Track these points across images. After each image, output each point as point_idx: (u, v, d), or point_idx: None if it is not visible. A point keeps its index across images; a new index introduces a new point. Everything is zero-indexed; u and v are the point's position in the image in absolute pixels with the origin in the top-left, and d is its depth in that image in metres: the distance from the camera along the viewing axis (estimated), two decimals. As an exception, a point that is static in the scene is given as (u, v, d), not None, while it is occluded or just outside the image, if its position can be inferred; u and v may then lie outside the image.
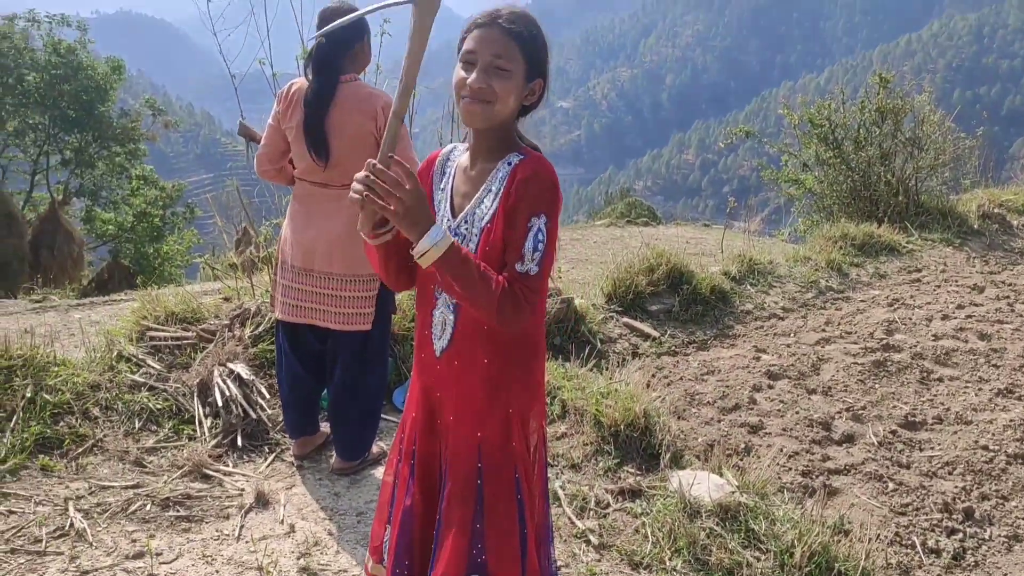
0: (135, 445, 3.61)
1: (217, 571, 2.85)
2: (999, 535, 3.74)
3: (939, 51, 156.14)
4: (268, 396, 3.92)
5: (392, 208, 1.81)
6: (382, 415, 3.73)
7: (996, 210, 8.75)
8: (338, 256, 3.27)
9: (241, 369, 3.90)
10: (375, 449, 3.63)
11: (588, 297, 5.96)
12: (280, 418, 3.83)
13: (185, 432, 3.74)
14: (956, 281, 7.04)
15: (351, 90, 3.22)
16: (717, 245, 10.47)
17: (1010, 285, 6.94)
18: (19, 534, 2.97)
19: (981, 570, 3.53)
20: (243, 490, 3.37)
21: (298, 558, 2.95)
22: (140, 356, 4.03)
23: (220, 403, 3.74)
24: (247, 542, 3.03)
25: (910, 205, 8.37)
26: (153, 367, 4.00)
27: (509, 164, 1.94)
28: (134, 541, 2.99)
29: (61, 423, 3.59)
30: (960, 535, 3.73)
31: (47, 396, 3.62)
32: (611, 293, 6.12)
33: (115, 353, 4.01)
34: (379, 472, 3.58)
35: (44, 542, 2.94)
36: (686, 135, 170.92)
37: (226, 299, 4.55)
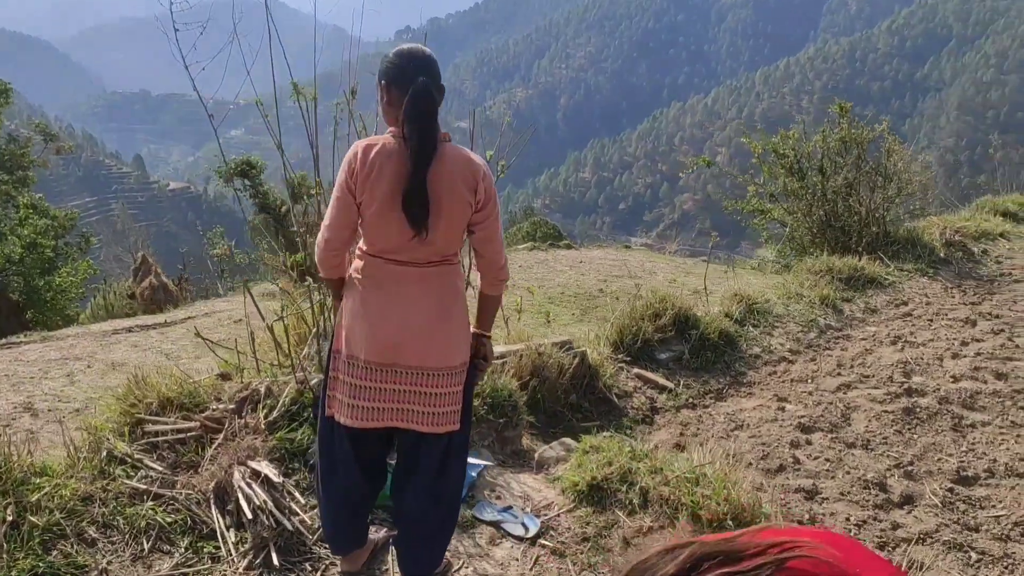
0: (148, 573, 2.96)
1: None
2: (1101, 609, 3.49)
3: (816, 73, 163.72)
4: (302, 500, 3.31)
5: None
6: None
7: (957, 237, 8.80)
8: (433, 348, 2.71)
9: (266, 468, 3.29)
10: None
11: (593, 346, 5.55)
12: (316, 524, 3.25)
13: (206, 551, 3.11)
14: (946, 315, 6.94)
15: (451, 151, 2.64)
16: (642, 267, 10.41)
17: (998, 317, 6.89)
18: None
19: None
20: (299, 627, 2.78)
21: None
22: (136, 456, 3.37)
23: (248, 513, 3.12)
24: None
25: (880, 235, 8.32)
26: (154, 469, 3.34)
27: None
28: None
29: (54, 551, 2.92)
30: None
31: (33, 518, 2.94)
32: (617, 342, 5.73)
33: (104, 453, 3.34)
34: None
35: None
36: (582, 153, 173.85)
37: (223, 376, 3.91)
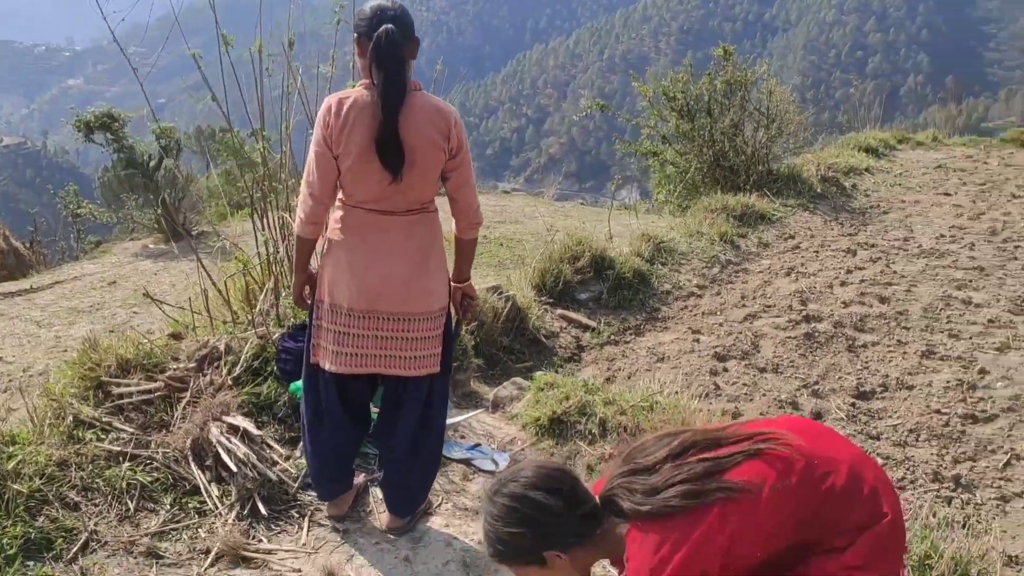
0: (138, 532, 2.99)
1: None
2: (989, 498, 4.01)
3: (672, 15, 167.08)
4: (281, 451, 3.38)
5: None
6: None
7: (831, 174, 9.45)
8: (413, 294, 2.83)
9: (243, 422, 3.34)
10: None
11: (518, 290, 5.74)
12: (297, 473, 3.34)
13: (191, 506, 3.16)
14: (829, 246, 7.52)
15: (421, 99, 2.73)
16: (522, 212, 10.68)
17: (874, 246, 7.52)
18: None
19: (993, 537, 3.74)
20: (300, 571, 2.89)
21: (413, 646, 2.57)
22: (104, 419, 3.34)
23: (232, 466, 3.17)
24: (344, 636, 2.60)
25: (765, 174, 8.84)
26: (124, 431, 3.33)
27: None
28: (212, 660, 2.47)
29: (40, 517, 2.90)
30: (959, 503, 3.96)
31: (15, 486, 2.90)
32: (539, 285, 5.95)
33: (70, 418, 3.29)
34: (434, 523, 3.22)
35: None
36: (446, 98, 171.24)
37: (174, 336, 3.87)
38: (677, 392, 4.75)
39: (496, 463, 3.60)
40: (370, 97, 2.68)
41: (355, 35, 2.76)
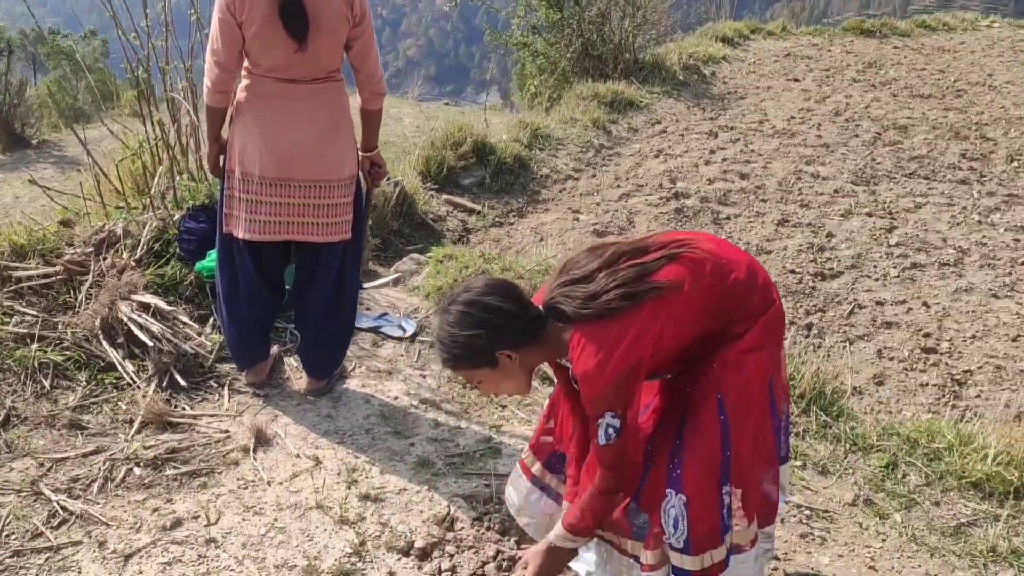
0: (57, 407, 3.04)
1: (275, 520, 2.62)
2: (836, 341, 4.55)
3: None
4: (196, 325, 3.46)
5: None
6: None
7: (692, 62, 9.85)
8: (323, 161, 2.91)
9: (153, 300, 3.38)
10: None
11: (404, 176, 5.85)
12: (211, 346, 3.44)
13: (107, 382, 3.21)
14: (693, 130, 7.94)
15: None
16: (387, 113, 10.60)
17: (733, 128, 8.00)
18: (6, 535, 2.46)
19: (842, 366, 4.27)
20: (227, 432, 3.04)
21: (348, 487, 2.79)
22: (4, 303, 3.31)
23: (148, 341, 3.24)
24: (281, 484, 2.79)
25: (631, 62, 9.13)
26: (30, 313, 3.32)
27: None
28: (156, 511, 2.62)
29: (-46, 399, 2.91)
30: (812, 346, 4.48)
31: (-76, 370, 2.89)
32: (424, 171, 6.08)
33: (-31, 304, 3.26)
34: (350, 384, 3.41)
35: (49, 535, 2.47)
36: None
37: (65, 223, 3.81)
38: (562, 257, 5.07)
39: (404, 329, 3.80)
40: None
41: None
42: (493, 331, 1.87)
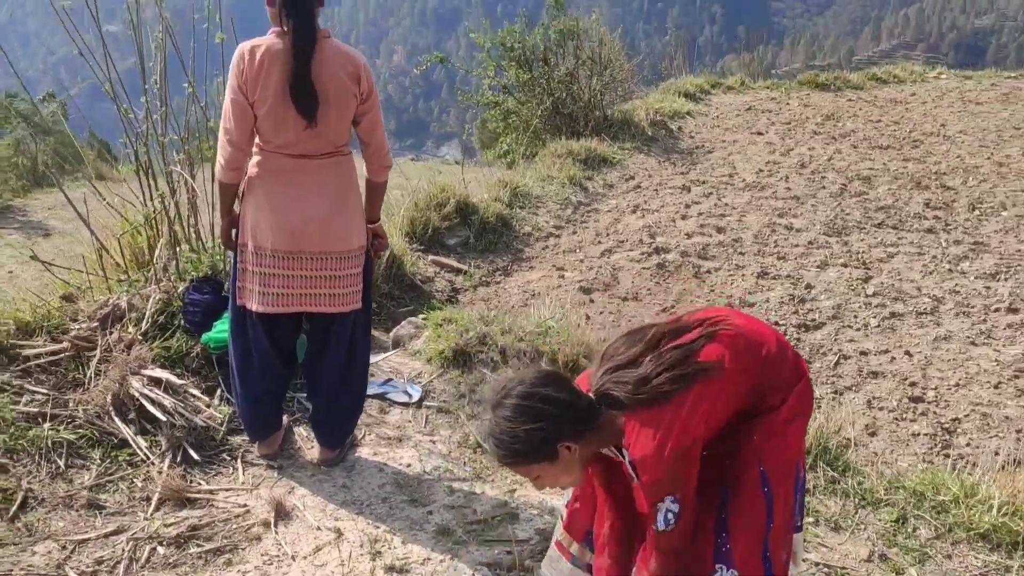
0: (73, 487, 3.02)
1: (303, 595, 2.62)
2: (826, 393, 4.67)
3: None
4: (205, 398, 3.46)
5: None
6: None
7: (659, 118, 10.12)
8: (333, 233, 2.98)
9: (164, 374, 3.38)
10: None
11: (390, 238, 5.90)
12: (222, 418, 3.44)
13: (121, 459, 3.19)
14: (666, 185, 8.13)
15: (331, 46, 2.86)
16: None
17: (705, 182, 8.21)
18: (33, 624, 2.42)
19: (831, 423, 4.36)
20: (246, 506, 3.03)
21: (372, 559, 2.80)
22: (14, 383, 3.28)
23: (161, 416, 3.23)
24: (306, 558, 2.79)
25: (601, 119, 9.35)
26: (40, 392, 3.29)
27: None
28: (183, 591, 2.60)
29: (-31, 482, 2.87)
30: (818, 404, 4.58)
31: (-61, 454, 2.85)
32: (410, 232, 6.14)
33: (-23, 384, 3.22)
34: (362, 453, 3.43)
35: (77, 623, 2.44)
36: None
37: (66, 298, 3.79)
38: (561, 319, 5.14)
39: (409, 394, 3.83)
40: (282, 44, 2.81)
41: None
42: (554, 423, 1.90)
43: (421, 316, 4.71)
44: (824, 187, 8.06)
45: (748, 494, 1.99)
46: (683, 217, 7.17)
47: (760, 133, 10.38)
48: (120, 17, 4.24)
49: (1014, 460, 3.67)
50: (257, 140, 2.96)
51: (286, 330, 3.16)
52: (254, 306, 3.01)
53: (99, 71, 3.83)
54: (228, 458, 3.32)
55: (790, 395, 2.01)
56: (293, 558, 2.78)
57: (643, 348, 1.98)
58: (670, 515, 1.90)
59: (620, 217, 7.21)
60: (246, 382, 3.17)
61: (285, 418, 3.53)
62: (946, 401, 4.50)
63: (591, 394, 1.98)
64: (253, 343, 3.11)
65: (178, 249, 3.92)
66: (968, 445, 4.13)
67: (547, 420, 1.89)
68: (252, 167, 2.98)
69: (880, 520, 3.08)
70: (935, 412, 4.40)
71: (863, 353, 5.02)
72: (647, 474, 1.89)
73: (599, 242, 6.66)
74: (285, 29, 2.79)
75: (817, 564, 2.83)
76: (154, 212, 3.94)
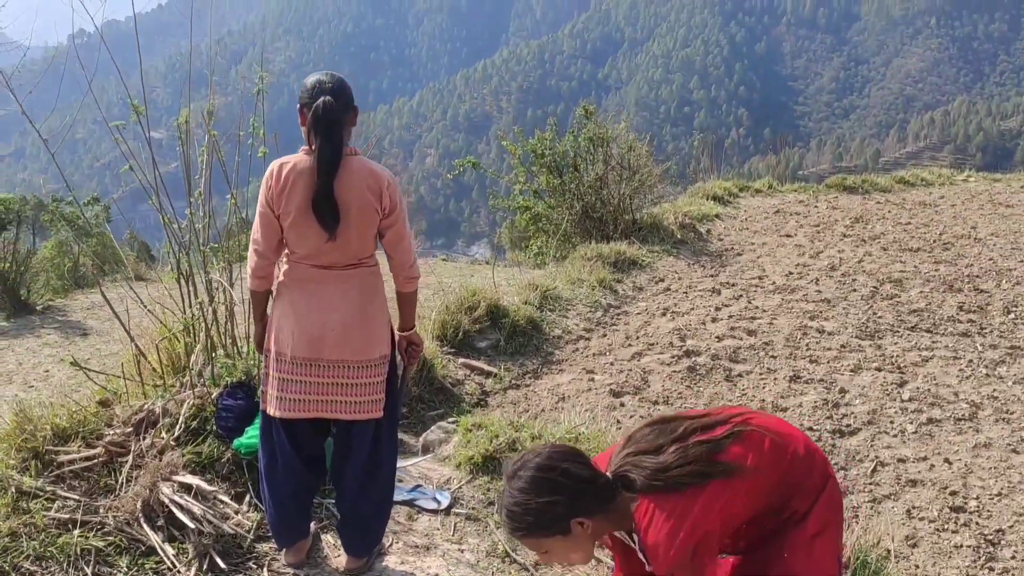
0: (99, 596, 3.00)
1: None
2: (863, 501, 4.55)
3: (511, 75, 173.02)
4: (234, 504, 3.46)
5: None
6: None
7: (687, 220, 10.25)
8: (352, 342, 3.06)
9: (194, 480, 3.40)
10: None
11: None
12: (250, 525, 3.43)
13: (147, 567, 3.18)
14: (696, 287, 8.17)
15: (357, 163, 3.00)
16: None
17: (734, 284, 8.24)
18: None
19: (880, 532, 4.25)
20: (270, 617, 2.99)
21: (397, 674, 2.73)
22: (47, 488, 3.32)
23: (190, 523, 3.24)
24: (332, 672, 2.73)
25: (631, 223, 9.50)
26: (71, 498, 3.32)
27: None
28: None
29: (-1, 592, 2.87)
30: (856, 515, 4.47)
31: (-31, 563, 2.87)
32: (441, 335, 6.20)
33: (12, 490, 3.26)
34: (389, 562, 3.39)
35: None
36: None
37: (103, 403, 3.86)
38: (589, 425, 5.11)
39: (438, 501, 3.80)
40: (309, 162, 2.94)
41: (299, 105, 3.03)
42: (570, 497, 1.89)
43: (450, 420, 4.72)
44: (855, 289, 8.05)
45: None
46: (713, 320, 7.17)
47: (789, 235, 10.44)
48: (165, 124, 4.47)
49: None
50: (286, 251, 3.07)
51: (309, 436, 3.19)
52: (271, 410, 3.08)
53: (143, 174, 4.00)
54: (254, 567, 3.30)
55: (818, 503, 1.98)
56: (319, 673, 2.73)
57: (671, 439, 1.98)
58: None
59: (650, 320, 7.23)
60: (272, 485, 3.19)
61: (313, 525, 3.52)
62: (989, 511, 4.37)
63: (609, 474, 1.97)
64: (278, 447, 3.15)
65: (214, 355, 4.00)
66: (1014, 558, 3.98)
67: (563, 494, 1.89)
68: (281, 275, 3.10)
69: (924, 640, 2.96)
70: (978, 523, 4.27)
71: (901, 460, 4.91)
72: (658, 563, 1.87)
73: (629, 345, 6.67)
74: (313, 147, 2.93)
75: None
76: (192, 319, 4.03)
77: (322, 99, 2.91)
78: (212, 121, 4.11)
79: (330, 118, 2.91)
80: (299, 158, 2.98)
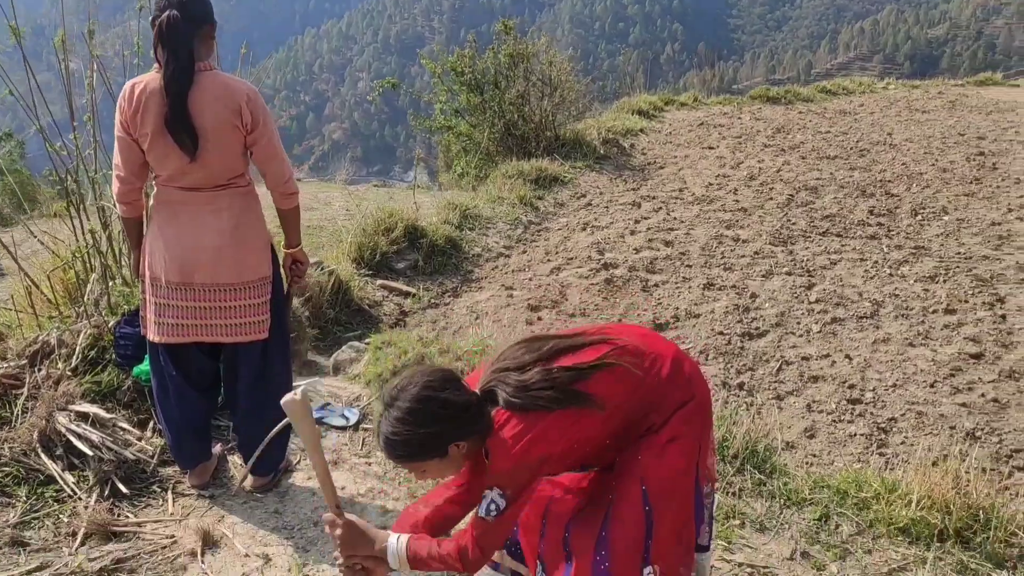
0: (-2, 525, 2.99)
1: (228, 622, 2.61)
2: (768, 398, 4.73)
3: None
4: (136, 431, 3.45)
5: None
6: None
7: (611, 136, 10.25)
8: (225, 265, 2.98)
9: (91, 409, 3.37)
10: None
11: (338, 264, 5.93)
12: (153, 451, 3.42)
13: (47, 495, 3.16)
14: (617, 201, 8.23)
15: (209, 79, 2.86)
16: (315, 198, 10.80)
17: (655, 198, 8.32)
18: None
19: (773, 425, 4.43)
20: (173, 537, 3.02)
21: (300, 582, 2.80)
22: (-62, 423, 3.26)
23: (87, 451, 3.22)
24: (233, 585, 2.78)
25: (553, 139, 9.46)
26: (-37, 432, 3.27)
27: None
28: (106, 624, 2.59)
29: None
30: (744, 405, 4.65)
31: None
32: (358, 258, 6.17)
33: (-100, 427, 3.20)
34: (296, 479, 3.43)
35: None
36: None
37: (-4, 336, 3.77)
38: (496, 337, 5.17)
39: (347, 418, 3.84)
40: (160, 81, 2.82)
41: (151, 19, 2.90)
42: (447, 426, 1.93)
43: (365, 340, 4.73)
44: (772, 198, 8.20)
45: (628, 511, 2.02)
46: (632, 232, 7.26)
47: (711, 148, 10.53)
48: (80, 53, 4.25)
49: (944, 456, 3.74)
50: (154, 174, 2.98)
51: (197, 360, 3.15)
52: (151, 335, 3.03)
53: (33, 111, 3.84)
54: (159, 490, 3.31)
55: (673, 417, 2.04)
56: (220, 587, 2.78)
57: (536, 358, 2.01)
58: (492, 506, 1.94)
59: (570, 235, 7.29)
60: (166, 411, 3.17)
61: (218, 447, 3.52)
62: (883, 402, 4.58)
63: (478, 390, 2.01)
64: (166, 373, 3.11)
65: (110, 284, 3.92)
66: (903, 443, 4.20)
67: (440, 424, 1.92)
68: (152, 199, 3.01)
69: (804, 519, 3.12)
70: (872, 413, 4.47)
71: (804, 358, 5.10)
72: (493, 461, 1.93)
73: (548, 260, 6.72)
74: (160, 64, 2.82)
75: (741, 564, 2.86)
76: (86, 247, 3.93)
77: (167, 13, 2.76)
78: (93, 40, 3.92)
79: (175, 33, 2.76)
80: (151, 77, 2.84)
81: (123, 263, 4.14)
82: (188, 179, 2.92)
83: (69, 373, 3.55)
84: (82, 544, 2.95)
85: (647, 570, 2.03)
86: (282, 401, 2.11)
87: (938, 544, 2.92)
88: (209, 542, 2.98)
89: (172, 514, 3.17)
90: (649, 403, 2.03)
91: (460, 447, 1.97)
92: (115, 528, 3.02)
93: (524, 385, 1.93)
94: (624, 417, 2.01)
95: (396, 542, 2.10)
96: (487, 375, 2.02)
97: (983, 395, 4.54)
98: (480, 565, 2.06)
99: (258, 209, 3.09)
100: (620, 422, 2.01)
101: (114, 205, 3.17)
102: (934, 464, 3.66)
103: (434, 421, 1.91)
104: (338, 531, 2.14)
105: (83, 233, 3.95)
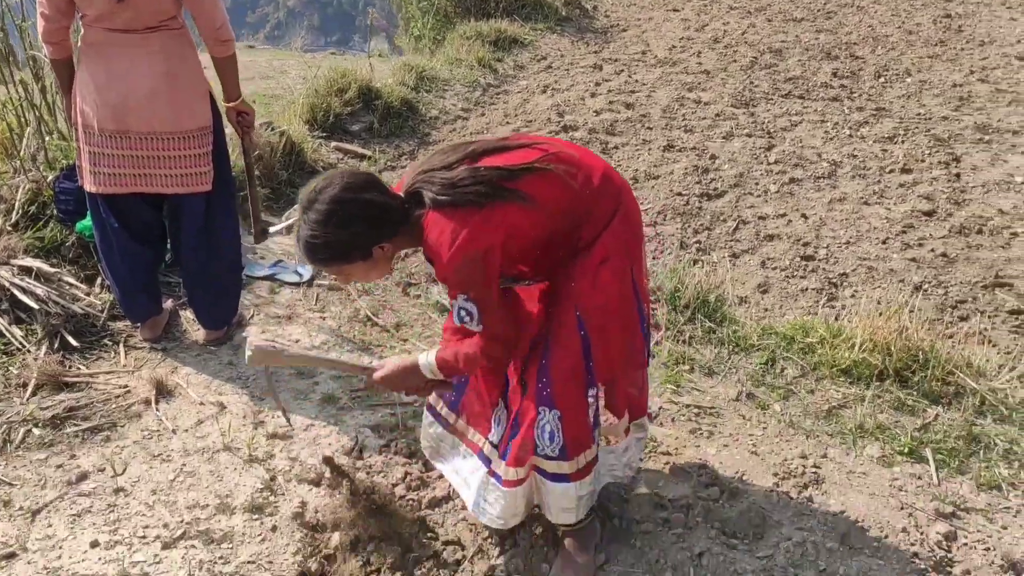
0: (-55, 378, 2.96)
1: (184, 465, 2.65)
2: (723, 256, 4.76)
3: None
4: (83, 286, 3.39)
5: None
6: None
7: (573, -3, 9.90)
8: (159, 112, 2.85)
9: (35, 263, 3.30)
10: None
11: (289, 125, 5.76)
12: (103, 305, 3.38)
13: (-7, 350, 3.14)
14: (578, 64, 8.03)
15: None
16: (270, 66, 10.40)
17: (617, 60, 8.13)
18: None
19: (725, 278, 4.47)
20: (127, 387, 3.02)
21: (254, 428, 2.83)
22: None
23: (33, 304, 3.17)
24: (187, 431, 2.81)
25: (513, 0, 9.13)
26: (-96, 288, 3.19)
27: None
28: (60, 467, 2.61)
29: None
30: (700, 263, 4.68)
31: None
32: (311, 119, 5.99)
33: None
34: (250, 332, 3.42)
35: (-53, 504, 2.43)
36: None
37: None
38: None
39: (300, 275, 3.81)
40: None
41: None
42: (367, 227, 1.88)
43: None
44: (735, 60, 8.05)
45: (565, 337, 2.03)
46: (593, 95, 7.11)
47: (676, 10, 10.25)
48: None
49: (891, 306, 3.82)
50: (80, 14, 2.81)
51: (139, 210, 3.06)
52: (88, 186, 2.94)
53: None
54: (110, 343, 3.29)
55: (603, 233, 2.00)
56: (174, 431, 2.80)
57: (462, 157, 1.96)
58: (463, 312, 1.94)
59: (529, 98, 7.13)
60: (111, 264, 3.11)
61: (169, 302, 3.49)
62: (836, 258, 4.64)
63: (402, 193, 1.96)
64: (107, 224, 3.03)
65: (46, 139, 3.76)
66: (853, 296, 4.28)
67: (360, 225, 1.87)
68: (80, 42, 2.85)
69: (751, 364, 3.20)
70: (824, 268, 4.53)
71: (761, 218, 5.12)
72: (437, 268, 1.91)
73: (507, 122, 6.59)
74: None
75: (688, 406, 2.94)
76: (18, 100, 3.75)
77: None
78: None
79: None
80: None
81: (58, 116, 3.98)
82: (116, 20, 2.76)
83: (9, 228, 3.46)
84: (33, 395, 2.95)
85: (591, 392, 2.06)
86: (245, 359, 2.22)
87: (877, 383, 3.01)
88: (163, 391, 2.99)
89: (125, 366, 3.16)
90: (579, 213, 1.98)
91: (385, 249, 1.93)
92: (66, 379, 3.01)
93: (451, 182, 1.88)
94: (554, 224, 1.97)
95: (426, 358, 2.15)
96: (411, 177, 1.97)
97: (932, 250, 4.62)
98: (500, 352, 2.04)
99: (194, 56, 2.94)
100: (549, 228, 1.97)
101: (42, 47, 3.01)
102: (880, 314, 3.75)
103: (355, 222, 1.86)
104: (380, 383, 2.24)
105: (14, 85, 3.77)
